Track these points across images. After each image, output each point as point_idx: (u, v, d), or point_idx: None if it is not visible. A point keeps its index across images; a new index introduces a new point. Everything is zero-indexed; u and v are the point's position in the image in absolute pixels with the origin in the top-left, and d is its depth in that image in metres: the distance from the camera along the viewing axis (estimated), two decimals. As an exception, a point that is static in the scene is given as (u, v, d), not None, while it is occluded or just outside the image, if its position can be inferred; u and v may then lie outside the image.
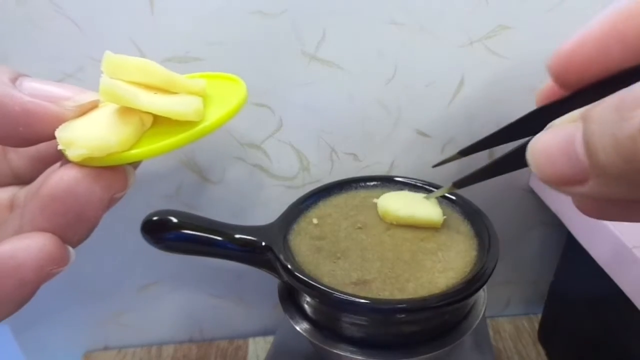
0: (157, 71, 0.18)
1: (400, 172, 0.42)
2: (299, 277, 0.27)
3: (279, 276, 0.29)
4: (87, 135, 0.16)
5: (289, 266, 0.27)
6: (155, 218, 0.30)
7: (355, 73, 0.37)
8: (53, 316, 0.46)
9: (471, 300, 0.29)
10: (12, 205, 0.21)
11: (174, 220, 0.29)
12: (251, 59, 0.36)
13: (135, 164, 0.18)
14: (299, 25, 0.35)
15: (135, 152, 0.16)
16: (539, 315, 0.47)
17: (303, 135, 0.40)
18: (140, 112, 0.17)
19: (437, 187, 0.34)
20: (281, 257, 0.28)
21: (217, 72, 0.21)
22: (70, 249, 0.16)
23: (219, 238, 0.30)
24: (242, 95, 0.19)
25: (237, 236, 0.30)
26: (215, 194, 0.42)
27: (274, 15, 0.35)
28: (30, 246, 0.15)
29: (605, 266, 0.32)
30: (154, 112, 0.17)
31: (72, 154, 0.15)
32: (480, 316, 0.29)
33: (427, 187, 0.34)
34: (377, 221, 0.32)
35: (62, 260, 0.15)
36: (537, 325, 0.48)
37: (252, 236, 0.30)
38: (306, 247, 0.30)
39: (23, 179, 0.21)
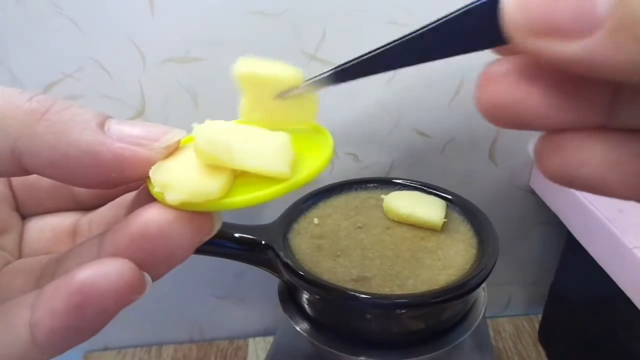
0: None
1: (400, 172, 0.42)
2: (300, 273, 0.27)
3: (279, 275, 0.29)
4: (186, 181, 0.15)
5: (289, 263, 0.27)
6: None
7: (355, 73, 0.37)
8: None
9: (471, 298, 0.29)
10: (74, 232, 0.21)
11: (174, 219, 0.29)
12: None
13: None
14: (299, 25, 0.35)
15: (230, 201, 0.16)
16: (539, 316, 0.47)
17: (303, 135, 0.40)
18: None
19: (435, 188, 0.34)
20: (281, 254, 0.28)
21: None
22: (146, 274, 0.15)
23: (219, 237, 0.30)
24: (329, 146, 0.19)
25: (237, 235, 0.30)
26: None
27: (274, 15, 0.35)
28: (110, 273, 0.14)
29: (605, 266, 0.32)
30: (249, 171, 0.16)
31: (171, 198, 0.15)
32: (481, 316, 0.29)
33: (425, 188, 0.34)
34: (377, 221, 0.32)
35: (141, 288, 0.15)
36: (537, 326, 0.48)
37: (253, 235, 0.30)
38: (306, 245, 0.30)
39: (84, 205, 0.21)
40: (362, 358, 0.27)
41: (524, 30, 0.11)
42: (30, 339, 0.14)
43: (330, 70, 0.17)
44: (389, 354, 0.27)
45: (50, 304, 0.14)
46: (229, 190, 0.16)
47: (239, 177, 0.17)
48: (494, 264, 0.27)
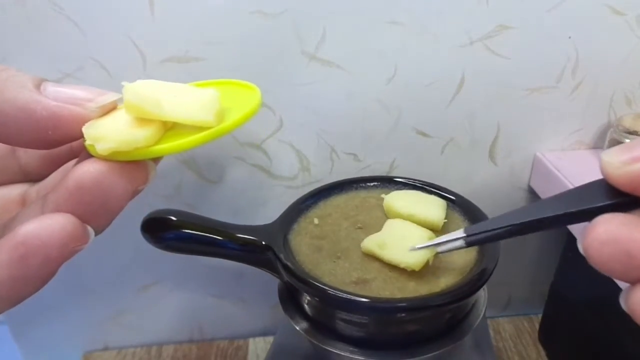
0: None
1: (400, 172, 0.42)
2: (299, 276, 0.27)
3: (279, 276, 0.29)
4: (115, 131, 0.17)
5: (289, 265, 0.27)
6: (155, 217, 0.29)
7: (355, 73, 0.37)
8: (52, 316, 0.46)
9: (471, 299, 0.29)
10: (23, 201, 0.21)
11: (174, 219, 0.29)
12: (251, 59, 0.36)
13: (156, 160, 0.19)
14: (299, 25, 0.35)
15: (158, 148, 0.17)
16: (539, 316, 0.47)
17: (303, 135, 0.40)
18: None
19: (436, 187, 0.34)
20: (281, 256, 0.28)
21: (232, 79, 0.22)
22: (89, 227, 0.16)
23: (219, 237, 0.30)
24: (257, 100, 0.20)
25: (237, 235, 0.30)
26: (215, 193, 0.42)
27: (274, 15, 0.35)
28: (52, 225, 0.15)
29: (605, 266, 0.32)
30: (177, 121, 0.18)
31: (101, 147, 0.16)
32: (481, 316, 0.29)
33: (426, 187, 0.34)
34: (377, 221, 0.32)
35: (83, 238, 0.16)
36: (537, 325, 0.48)
37: (253, 235, 0.30)
38: (306, 246, 0.30)
39: (32, 177, 0.22)
40: (361, 358, 0.27)
41: (618, 163, 0.16)
42: None
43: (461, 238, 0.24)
44: (389, 354, 0.27)
45: None
46: (160, 140, 0.18)
47: (171, 129, 0.18)
48: (495, 266, 0.27)
